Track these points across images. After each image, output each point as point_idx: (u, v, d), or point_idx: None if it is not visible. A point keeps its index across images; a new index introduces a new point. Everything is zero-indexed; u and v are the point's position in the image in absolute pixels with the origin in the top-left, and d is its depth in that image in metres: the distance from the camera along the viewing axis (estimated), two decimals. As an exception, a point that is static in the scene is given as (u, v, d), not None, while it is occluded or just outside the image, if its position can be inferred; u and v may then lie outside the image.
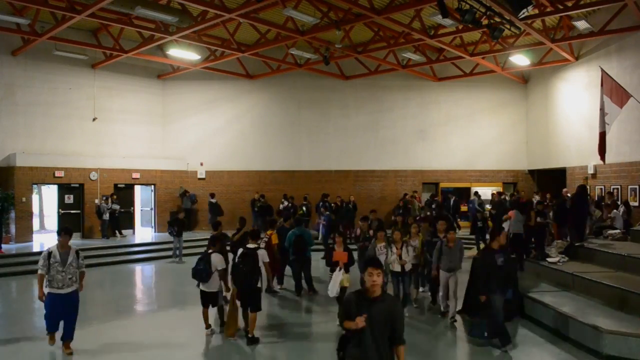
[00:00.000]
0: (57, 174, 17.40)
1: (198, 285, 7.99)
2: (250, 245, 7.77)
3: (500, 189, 21.31)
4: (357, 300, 3.92)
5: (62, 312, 7.07)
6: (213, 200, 19.07)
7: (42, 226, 22.60)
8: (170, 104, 21.07)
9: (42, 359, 7.10)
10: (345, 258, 8.66)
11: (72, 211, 18.08)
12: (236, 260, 7.62)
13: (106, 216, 17.70)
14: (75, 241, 17.16)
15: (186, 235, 18.41)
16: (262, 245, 9.44)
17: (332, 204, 18.39)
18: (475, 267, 8.93)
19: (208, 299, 7.97)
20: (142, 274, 14.65)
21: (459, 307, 8.81)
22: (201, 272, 7.73)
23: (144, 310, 10.10)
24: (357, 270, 9.18)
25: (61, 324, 7.13)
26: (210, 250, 8.00)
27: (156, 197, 20.13)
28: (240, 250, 7.71)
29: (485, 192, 19.70)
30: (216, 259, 7.81)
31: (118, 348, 7.42)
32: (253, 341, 7.50)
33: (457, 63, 20.00)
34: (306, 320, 9.40)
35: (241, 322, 7.98)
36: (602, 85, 11.83)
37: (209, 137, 21.13)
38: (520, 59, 18.20)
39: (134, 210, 19.95)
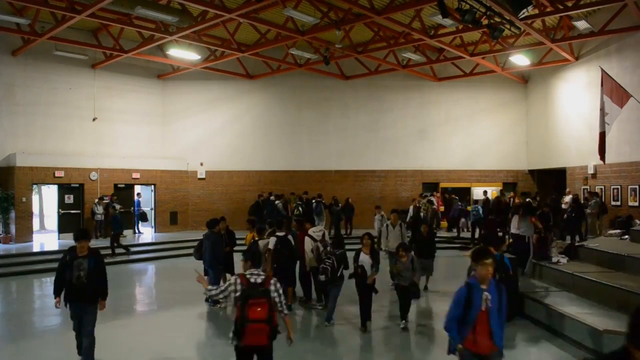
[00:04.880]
0: (57, 174, 17.40)
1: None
2: (280, 234, 9.24)
3: (500, 189, 21.32)
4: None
5: None
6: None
7: (42, 226, 22.61)
8: (170, 104, 21.07)
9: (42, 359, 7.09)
10: None
11: (72, 211, 18.08)
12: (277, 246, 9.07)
13: (99, 217, 17.67)
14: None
15: (182, 236, 18.47)
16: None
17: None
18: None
19: None
20: (142, 274, 14.64)
21: None
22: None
23: (144, 310, 10.10)
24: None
25: None
26: (256, 239, 9.60)
27: (156, 197, 20.13)
28: (275, 239, 9.10)
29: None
30: (262, 244, 9.32)
31: (118, 348, 7.41)
32: (289, 308, 8.53)
33: (457, 63, 20.00)
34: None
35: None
36: (602, 85, 11.83)
37: (209, 137, 21.13)
38: (520, 59, 18.20)
39: (134, 210, 19.94)
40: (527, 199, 14.90)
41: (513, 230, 11.36)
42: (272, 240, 9.21)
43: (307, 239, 9.52)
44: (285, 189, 19.98)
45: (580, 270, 9.23)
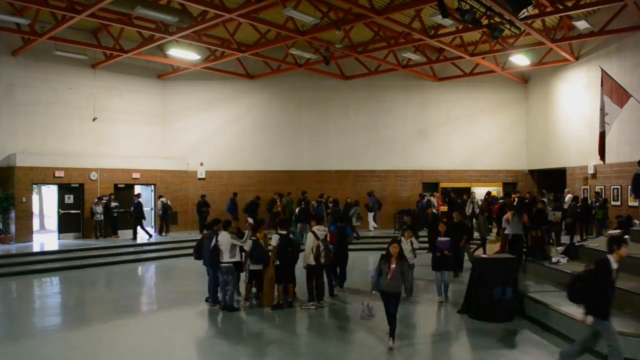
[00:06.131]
0: (57, 174, 17.40)
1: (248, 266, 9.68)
2: (282, 232, 9.36)
3: (500, 190, 21.35)
4: None
5: None
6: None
7: (42, 226, 22.62)
8: (170, 104, 21.06)
9: None
10: None
11: (72, 211, 18.07)
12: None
13: (99, 217, 17.68)
14: (75, 241, 17.26)
15: (182, 236, 18.49)
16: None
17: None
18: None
19: (255, 276, 9.60)
20: (142, 274, 14.65)
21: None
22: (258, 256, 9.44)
23: (144, 310, 10.11)
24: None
25: None
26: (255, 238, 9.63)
27: (156, 197, 20.11)
28: (277, 237, 9.26)
29: (485, 192, 19.69)
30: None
31: (118, 348, 7.41)
32: (290, 305, 9.45)
33: (457, 63, 20.00)
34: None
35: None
36: (602, 85, 11.82)
37: (209, 137, 21.13)
38: (520, 59, 18.20)
39: (133, 210, 19.89)
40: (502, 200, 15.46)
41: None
42: (275, 239, 9.25)
43: (310, 235, 9.54)
44: (285, 189, 19.96)
45: (580, 270, 9.21)
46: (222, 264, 9.18)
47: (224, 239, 9.23)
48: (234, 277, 9.32)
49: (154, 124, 20.70)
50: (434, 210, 17.34)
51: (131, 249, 16.75)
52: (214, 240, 9.34)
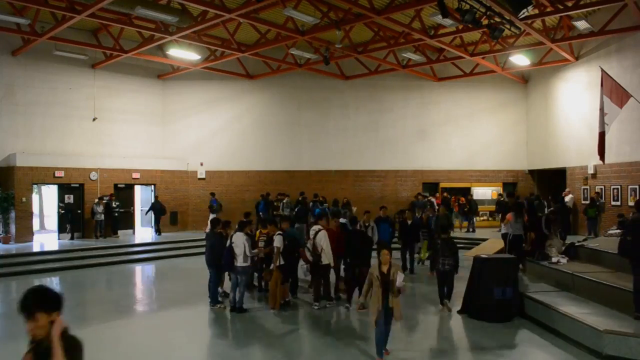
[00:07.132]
0: (57, 174, 17.40)
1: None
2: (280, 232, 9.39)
3: (500, 190, 21.36)
4: None
5: None
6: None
7: (42, 226, 22.62)
8: (170, 104, 21.07)
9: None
10: None
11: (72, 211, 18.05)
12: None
13: (99, 217, 17.68)
14: (75, 241, 17.26)
15: (182, 236, 18.51)
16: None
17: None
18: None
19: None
20: (142, 274, 14.65)
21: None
22: None
23: (144, 310, 10.10)
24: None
25: None
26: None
27: (156, 197, 20.11)
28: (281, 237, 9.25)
29: (485, 192, 19.75)
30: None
31: (118, 348, 7.41)
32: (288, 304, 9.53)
33: (457, 63, 20.00)
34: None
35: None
36: (602, 85, 11.80)
37: (209, 137, 21.14)
38: (520, 59, 18.21)
39: (133, 210, 19.93)
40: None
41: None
42: (279, 239, 9.22)
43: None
44: (285, 189, 19.95)
45: (580, 270, 9.22)
46: (238, 266, 9.10)
47: (239, 240, 9.15)
48: (247, 279, 9.33)
49: (154, 124, 20.70)
50: (429, 214, 14.46)
51: (131, 249, 16.76)
52: (228, 241, 9.34)
